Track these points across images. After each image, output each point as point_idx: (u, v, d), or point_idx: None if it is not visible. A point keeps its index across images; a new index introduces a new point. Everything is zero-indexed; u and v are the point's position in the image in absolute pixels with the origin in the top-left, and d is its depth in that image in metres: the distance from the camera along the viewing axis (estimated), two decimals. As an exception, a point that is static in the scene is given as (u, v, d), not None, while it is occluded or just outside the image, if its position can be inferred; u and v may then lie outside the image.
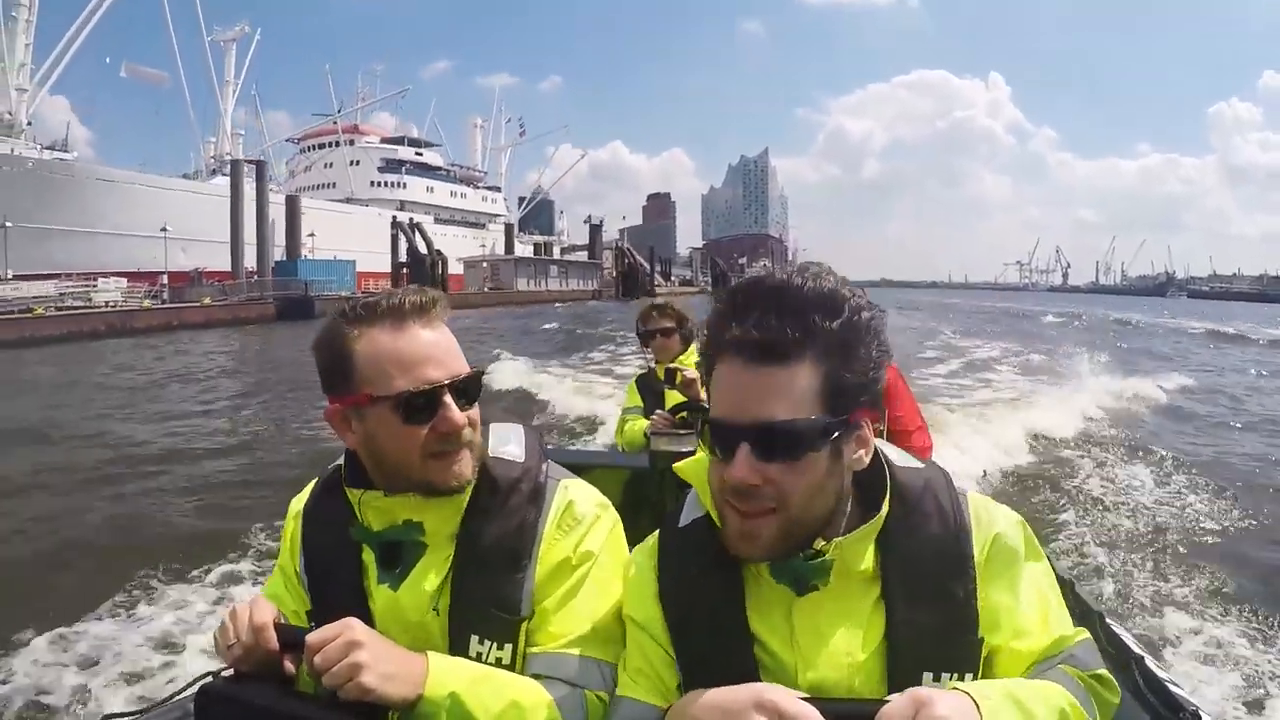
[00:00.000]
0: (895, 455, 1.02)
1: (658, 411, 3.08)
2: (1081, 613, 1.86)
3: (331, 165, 65.59)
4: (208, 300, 33.99)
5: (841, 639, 0.95)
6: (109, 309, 29.80)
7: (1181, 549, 5.38)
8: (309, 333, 1.26)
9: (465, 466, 1.10)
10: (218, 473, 7.89)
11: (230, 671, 1.03)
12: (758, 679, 0.92)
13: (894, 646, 0.94)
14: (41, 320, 26.14)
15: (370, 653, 0.95)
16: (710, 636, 0.98)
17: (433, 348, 1.08)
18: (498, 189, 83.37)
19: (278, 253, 42.93)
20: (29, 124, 43.92)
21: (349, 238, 50.73)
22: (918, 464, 1.03)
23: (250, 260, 40.32)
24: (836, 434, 0.89)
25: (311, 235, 47.05)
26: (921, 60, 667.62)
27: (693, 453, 1.77)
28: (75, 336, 25.73)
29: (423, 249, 48.63)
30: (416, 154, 73.20)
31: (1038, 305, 67.33)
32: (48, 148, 43.66)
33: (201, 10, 56.28)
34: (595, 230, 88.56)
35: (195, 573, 4.95)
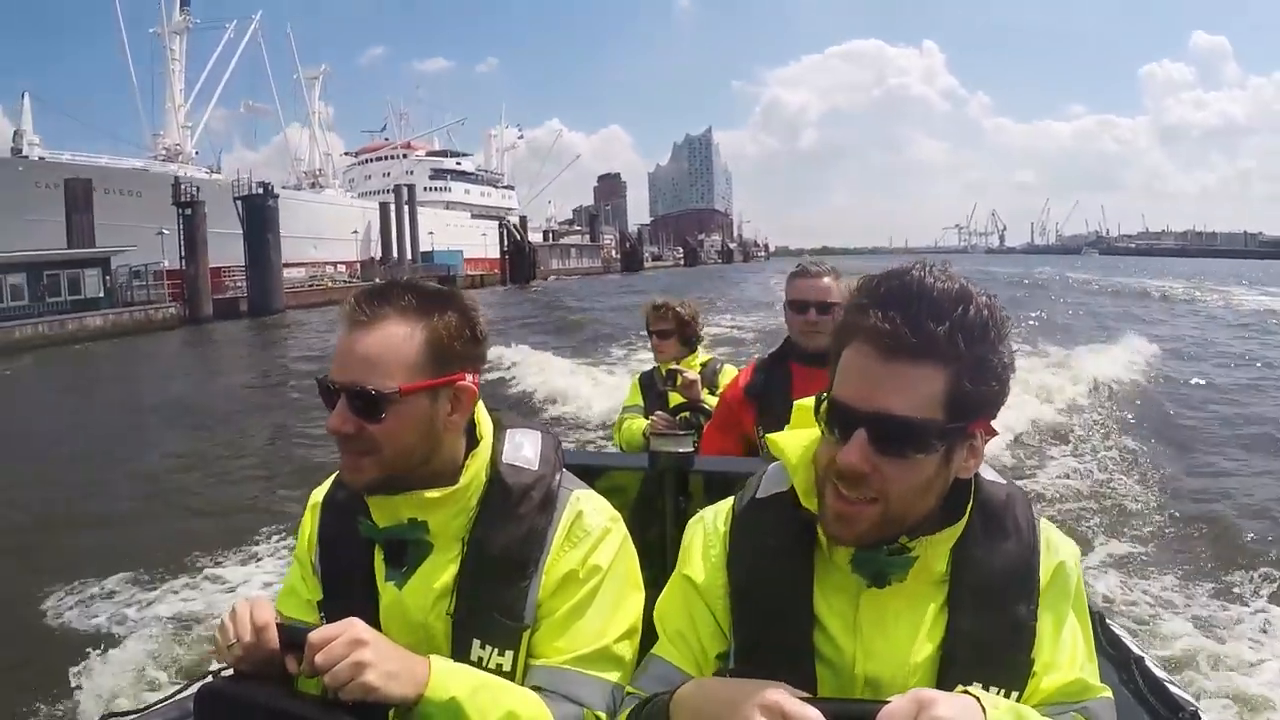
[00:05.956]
0: (981, 468, 1.00)
1: (657, 412, 3.13)
2: None
3: (389, 175, 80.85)
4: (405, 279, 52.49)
5: (903, 636, 0.95)
6: (358, 283, 46.40)
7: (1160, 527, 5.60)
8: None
9: (361, 473, 1.08)
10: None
11: (230, 671, 1.03)
12: (813, 662, 0.96)
13: (950, 653, 0.94)
14: (334, 289, 43.87)
15: (374, 651, 0.96)
16: (773, 612, 0.98)
17: (353, 347, 1.07)
18: (511, 188, 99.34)
19: (375, 248, 59.29)
20: (196, 153, 58.63)
21: (430, 234, 66.37)
22: (1001, 479, 1.04)
23: (367, 252, 57.23)
24: (950, 440, 0.89)
25: (431, 233, 63.18)
26: (855, 30, 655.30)
27: (692, 454, 1.83)
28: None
29: (519, 240, 65.91)
30: (457, 164, 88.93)
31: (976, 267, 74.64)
32: (207, 169, 58.23)
33: (297, 54, 71.22)
34: (594, 219, 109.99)
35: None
